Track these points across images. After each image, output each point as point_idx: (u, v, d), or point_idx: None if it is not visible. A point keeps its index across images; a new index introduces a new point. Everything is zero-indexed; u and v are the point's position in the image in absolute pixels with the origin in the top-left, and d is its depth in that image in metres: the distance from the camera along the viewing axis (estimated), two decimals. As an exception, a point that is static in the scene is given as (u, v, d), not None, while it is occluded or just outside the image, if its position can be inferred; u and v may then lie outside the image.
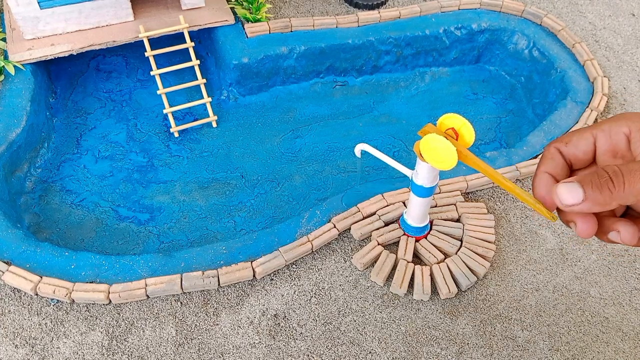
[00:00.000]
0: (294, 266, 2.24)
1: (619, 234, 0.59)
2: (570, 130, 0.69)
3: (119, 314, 2.07)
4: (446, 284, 2.17)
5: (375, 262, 2.24)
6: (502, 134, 3.36)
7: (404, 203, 2.42)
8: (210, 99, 3.23)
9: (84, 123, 3.25)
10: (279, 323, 2.08)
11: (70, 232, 2.70)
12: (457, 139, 1.62)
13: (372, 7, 3.59)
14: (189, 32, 3.26)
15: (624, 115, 0.62)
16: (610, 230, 0.60)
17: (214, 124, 3.27)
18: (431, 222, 2.37)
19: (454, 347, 2.05)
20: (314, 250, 2.29)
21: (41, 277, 2.09)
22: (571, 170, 0.66)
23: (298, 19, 3.42)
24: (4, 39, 3.01)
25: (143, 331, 2.03)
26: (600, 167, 0.57)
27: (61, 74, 3.36)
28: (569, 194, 0.57)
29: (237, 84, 3.37)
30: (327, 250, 2.30)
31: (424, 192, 2.07)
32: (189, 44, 3.15)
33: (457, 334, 2.08)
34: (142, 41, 3.12)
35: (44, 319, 2.05)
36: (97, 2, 3.00)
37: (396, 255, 2.27)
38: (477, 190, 2.56)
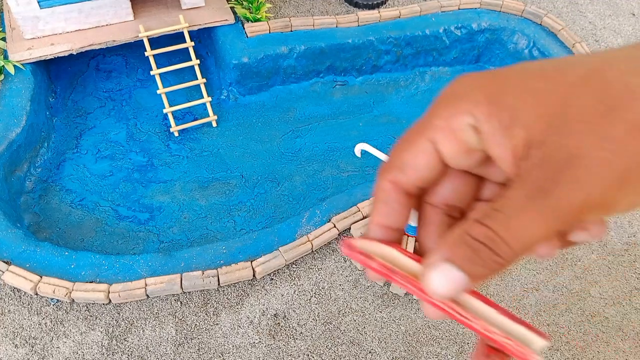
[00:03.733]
0: (294, 266, 2.24)
1: (587, 231, 0.41)
2: (402, 138, 0.44)
3: (118, 313, 2.07)
4: (446, 283, 2.17)
5: (375, 261, 2.24)
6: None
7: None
8: (210, 99, 3.23)
9: (84, 122, 3.24)
10: (279, 323, 2.08)
11: (70, 231, 2.69)
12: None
13: (372, 7, 3.59)
14: (189, 32, 3.26)
15: (458, 92, 0.40)
16: (572, 231, 0.41)
17: (214, 124, 3.27)
18: (431, 222, 2.37)
19: (454, 346, 2.05)
20: (314, 250, 2.28)
21: (41, 277, 2.09)
22: (422, 194, 0.45)
23: (298, 18, 3.42)
24: (3, 39, 3.01)
25: (143, 331, 2.03)
26: (467, 233, 0.38)
27: (61, 74, 3.36)
28: (446, 282, 0.38)
29: (237, 83, 3.37)
30: (327, 250, 2.30)
31: (424, 191, 2.07)
32: (189, 44, 3.15)
33: (457, 333, 2.08)
34: (142, 41, 3.12)
35: (43, 318, 2.05)
36: (97, 2, 2.99)
37: (396, 255, 2.27)
38: (477, 190, 2.56)
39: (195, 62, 3.18)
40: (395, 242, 0.43)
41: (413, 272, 0.40)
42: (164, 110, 3.14)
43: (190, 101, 3.26)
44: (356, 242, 0.40)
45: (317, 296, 2.16)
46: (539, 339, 0.39)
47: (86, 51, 3.07)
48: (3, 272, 2.10)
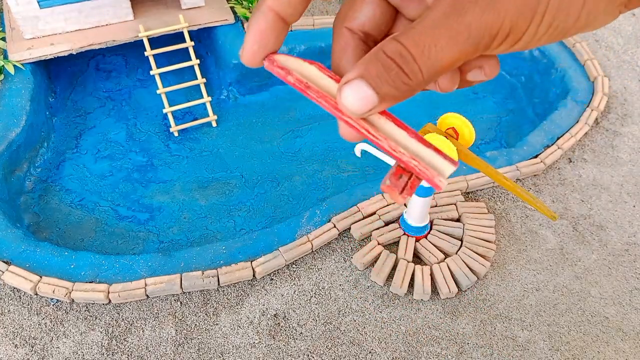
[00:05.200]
0: (294, 266, 2.24)
1: (481, 70, 0.43)
2: None
3: (118, 313, 2.07)
4: (446, 283, 2.16)
5: (376, 262, 2.24)
6: (502, 134, 3.35)
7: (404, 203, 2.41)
8: (210, 99, 3.23)
9: (84, 122, 3.24)
10: (279, 323, 2.08)
11: (69, 231, 2.69)
12: (457, 139, 1.62)
13: None
14: (189, 32, 3.26)
15: None
16: (470, 69, 0.43)
17: (214, 124, 3.27)
18: (431, 222, 2.37)
19: (454, 346, 2.05)
20: (314, 250, 2.28)
21: (41, 277, 2.09)
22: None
23: (298, 18, 3.42)
24: (3, 39, 3.01)
25: (143, 331, 2.03)
26: (381, 50, 0.38)
27: (61, 74, 3.36)
28: (358, 99, 0.39)
29: (236, 83, 3.37)
30: (327, 250, 2.30)
31: (424, 191, 2.07)
32: (189, 44, 3.15)
33: (458, 333, 2.08)
34: (142, 41, 3.12)
35: (43, 318, 2.05)
36: (97, 2, 2.99)
37: (396, 255, 2.27)
38: (477, 190, 2.56)
39: (195, 62, 3.18)
40: (284, 35, 0.42)
41: (330, 90, 0.41)
42: (164, 110, 3.14)
43: (190, 101, 3.25)
44: (278, 57, 0.40)
45: (317, 296, 2.16)
46: (447, 164, 0.40)
47: (86, 51, 3.07)
48: (3, 272, 2.10)
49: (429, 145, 0.41)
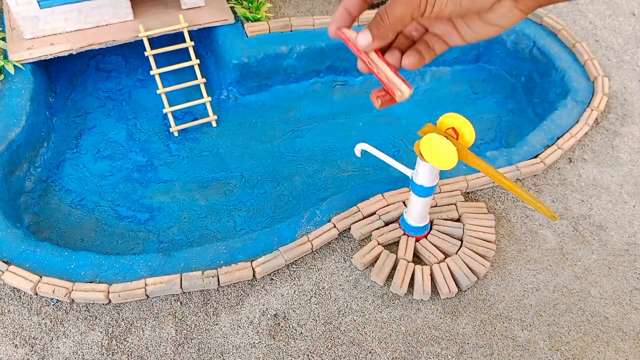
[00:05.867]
0: (294, 266, 2.24)
1: (408, 57, 0.83)
2: None
3: (118, 313, 2.07)
4: (446, 283, 2.16)
5: (375, 262, 2.24)
6: (502, 134, 3.35)
7: (404, 203, 2.41)
8: (210, 99, 3.23)
9: (84, 122, 3.24)
10: (279, 323, 2.08)
11: (69, 231, 2.69)
12: (457, 139, 1.61)
13: (372, 7, 3.58)
14: (189, 32, 3.26)
15: None
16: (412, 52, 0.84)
17: (214, 124, 3.27)
18: (431, 222, 2.37)
19: (454, 347, 2.05)
20: (314, 250, 2.28)
21: (41, 277, 2.09)
22: (372, 3, 0.82)
23: (298, 18, 3.42)
24: (3, 39, 3.01)
25: (143, 331, 2.03)
26: (377, 13, 0.76)
27: (61, 74, 3.36)
28: (363, 39, 0.78)
29: (237, 83, 3.37)
30: (327, 250, 2.30)
31: (424, 191, 2.07)
32: (189, 44, 3.15)
33: (458, 333, 2.08)
34: (142, 41, 3.12)
35: (43, 318, 2.05)
36: (97, 2, 2.99)
37: (396, 255, 2.27)
38: (477, 190, 2.56)
39: (195, 62, 3.18)
40: (351, 21, 0.80)
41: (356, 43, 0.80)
42: (164, 110, 3.14)
43: (190, 101, 3.25)
44: (345, 30, 0.80)
45: (317, 296, 2.16)
46: (406, 87, 0.79)
47: (86, 51, 3.08)
48: (3, 272, 2.10)
49: (400, 76, 0.80)
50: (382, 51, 0.83)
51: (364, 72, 0.92)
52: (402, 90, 0.83)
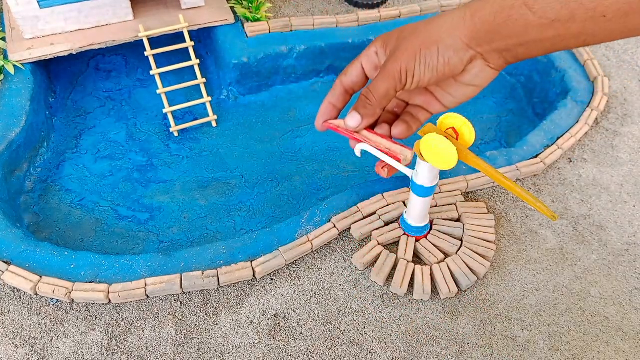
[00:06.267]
0: (294, 266, 2.24)
1: (405, 124, 0.89)
2: (352, 61, 0.93)
3: (118, 313, 2.07)
4: (446, 283, 2.16)
5: (375, 262, 2.24)
6: (502, 134, 3.35)
7: (404, 203, 2.41)
8: (210, 99, 3.23)
9: (84, 122, 3.24)
10: (279, 323, 2.08)
11: (69, 231, 2.69)
12: (457, 139, 1.61)
13: (372, 7, 3.59)
14: (189, 32, 3.26)
15: (376, 38, 0.83)
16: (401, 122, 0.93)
17: (214, 124, 3.27)
18: (431, 222, 2.37)
19: (454, 347, 2.05)
20: (314, 250, 2.28)
21: (41, 277, 2.09)
22: (353, 93, 0.89)
23: (298, 18, 3.42)
24: (3, 39, 3.01)
25: (143, 331, 2.03)
26: (362, 94, 0.83)
27: (61, 74, 3.36)
28: (352, 120, 0.84)
29: (236, 83, 3.37)
30: (327, 250, 2.30)
31: (424, 191, 2.07)
32: (189, 44, 3.15)
33: (458, 333, 2.08)
34: (142, 41, 3.12)
35: (43, 318, 2.05)
36: (97, 2, 2.99)
37: (396, 255, 2.27)
38: (477, 190, 2.56)
39: (195, 62, 3.18)
40: (337, 114, 0.88)
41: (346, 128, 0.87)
42: (164, 110, 3.14)
43: (190, 101, 3.25)
44: (332, 121, 0.84)
45: (317, 296, 2.16)
46: (407, 151, 0.87)
47: (86, 51, 3.08)
48: (3, 272, 2.10)
49: (398, 143, 0.85)
50: (371, 127, 0.95)
51: (358, 154, 1.04)
52: (405, 155, 0.90)
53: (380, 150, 0.90)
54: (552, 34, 0.67)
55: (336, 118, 0.86)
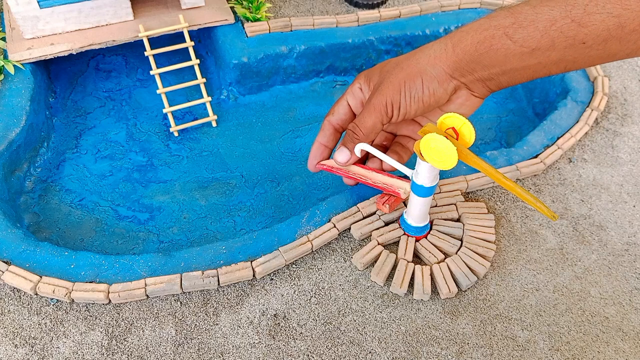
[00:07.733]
0: (293, 266, 2.24)
1: (397, 155, 0.89)
2: (338, 99, 0.95)
3: (118, 313, 2.07)
4: (446, 283, 2.16)
5: (375, 262, 2.24)
6: (502, 134, 3.35)
7: (404, 203, 2.41)
8: (210, 99, 3.23)
9: (84, 122, 3.24)
10: (278, 323, 2.08)
11: (69, 231, 2.69)
12: (457, 139, 1.61)
13: (372, 7, 3.59)
14: (189, 32, 3.26)
15: (359, 75, 0.86)
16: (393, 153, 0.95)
17: (214, 124, 3.27)
18: (431, 222, 2.37)
19: (454, 347, 2.05)
20: (314, 250, 2.28)
21: (41, 277, 2.09)
22: (343, 131, 0.89)
23: (298, 18, 3.42)
24: (3, 39, 3.01)
25: (143, 331, 2.03)
26: (349, 128, 0.85)
27: (61, 74, 3.36)
28: (341, 156, 0.89)
29: (237, 83, 3.37)
30: (327, 250, 2.30)
31: (424, 191, 2.07)
32: (189, 44, 3.15)
33: (457, 333, 2.08)
34: (142, 40, 3.12)
35: (43, 318, 2.05)
36: (97, 2, 2.99)
37: (396, 255, 2.27)
38: (477, 190, 2.56)
39: (195, 62, 3.18)
40: (328, 153, 0.95)
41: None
42: (164, 110, 3.14)
43: (190, 101, 3.25)
44: (324, 162, 0.97)
45: (317, 296, 2.16)
46: (404, 183, 1.07)
47: (86, 51, 3.07)
48: (3, 272, 2.10)
49: (392, 175, 0.97)
50: (362, 162, 0.99)
51: (350, 185, 1.05)
52: (404, 187, 1.04)
53: (377, 187, 0.94)
54: (533, 61, 0.68)
55: (328, 158, 0.89)
